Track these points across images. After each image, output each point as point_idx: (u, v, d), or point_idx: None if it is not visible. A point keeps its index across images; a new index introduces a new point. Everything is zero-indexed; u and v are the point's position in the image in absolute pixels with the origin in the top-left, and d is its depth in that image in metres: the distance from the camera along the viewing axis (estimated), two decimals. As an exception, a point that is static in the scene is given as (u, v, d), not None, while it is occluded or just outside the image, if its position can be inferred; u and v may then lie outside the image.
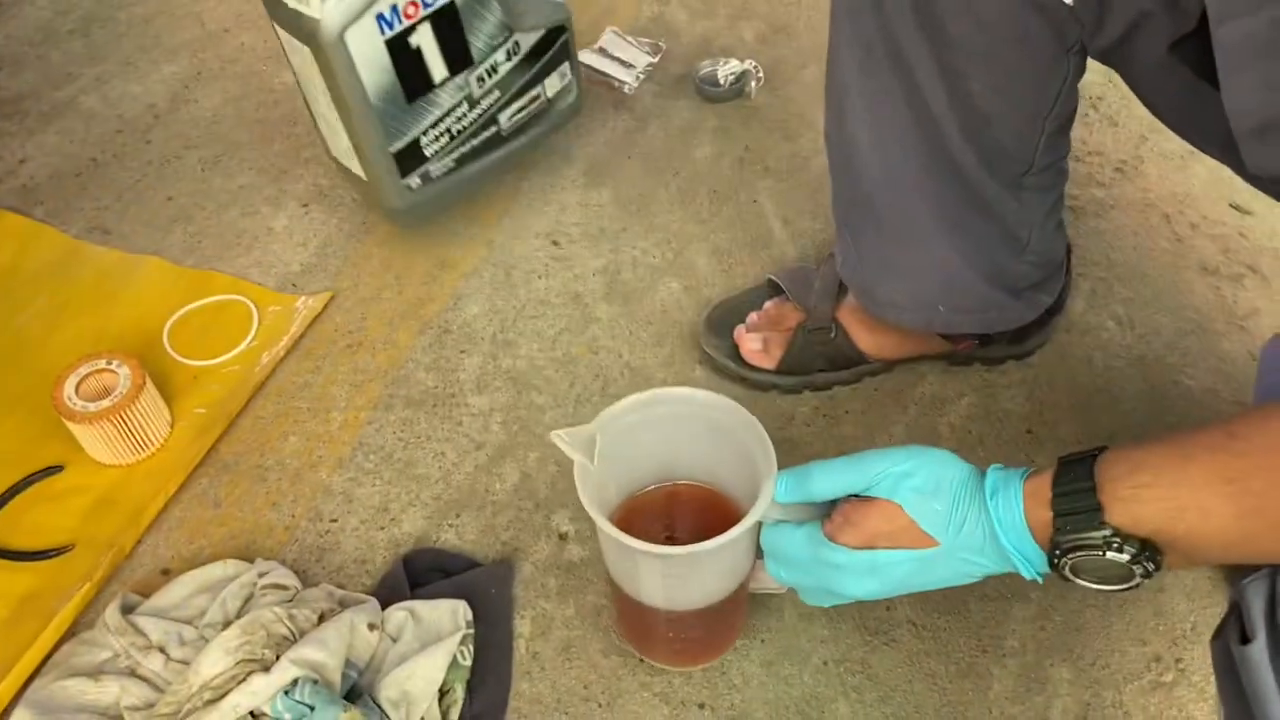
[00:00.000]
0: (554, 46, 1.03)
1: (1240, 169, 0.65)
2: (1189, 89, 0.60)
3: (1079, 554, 0.53)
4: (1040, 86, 0.76)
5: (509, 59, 0.99)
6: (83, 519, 0.87)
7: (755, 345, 0.96)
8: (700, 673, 0.79)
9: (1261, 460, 0.48)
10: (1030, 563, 0.56)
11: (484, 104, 1.01)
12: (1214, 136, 0.57)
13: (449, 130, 0.99)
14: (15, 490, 0.88)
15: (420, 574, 0.84)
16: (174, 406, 0.95)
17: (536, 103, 1.05)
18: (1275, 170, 0.54)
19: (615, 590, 0.76)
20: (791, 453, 0.91)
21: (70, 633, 0.80)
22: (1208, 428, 0.50)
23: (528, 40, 1.00)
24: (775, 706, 0.77)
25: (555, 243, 1.12)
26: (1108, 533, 0.51)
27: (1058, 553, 0.54)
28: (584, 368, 1.00)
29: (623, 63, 1.30)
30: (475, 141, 1.03)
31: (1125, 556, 0.51)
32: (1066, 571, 0.54)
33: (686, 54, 1.33)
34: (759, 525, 0.66)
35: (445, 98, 0.97)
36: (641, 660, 0.80)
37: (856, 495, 0.62)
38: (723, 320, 0.99)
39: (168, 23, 1.38)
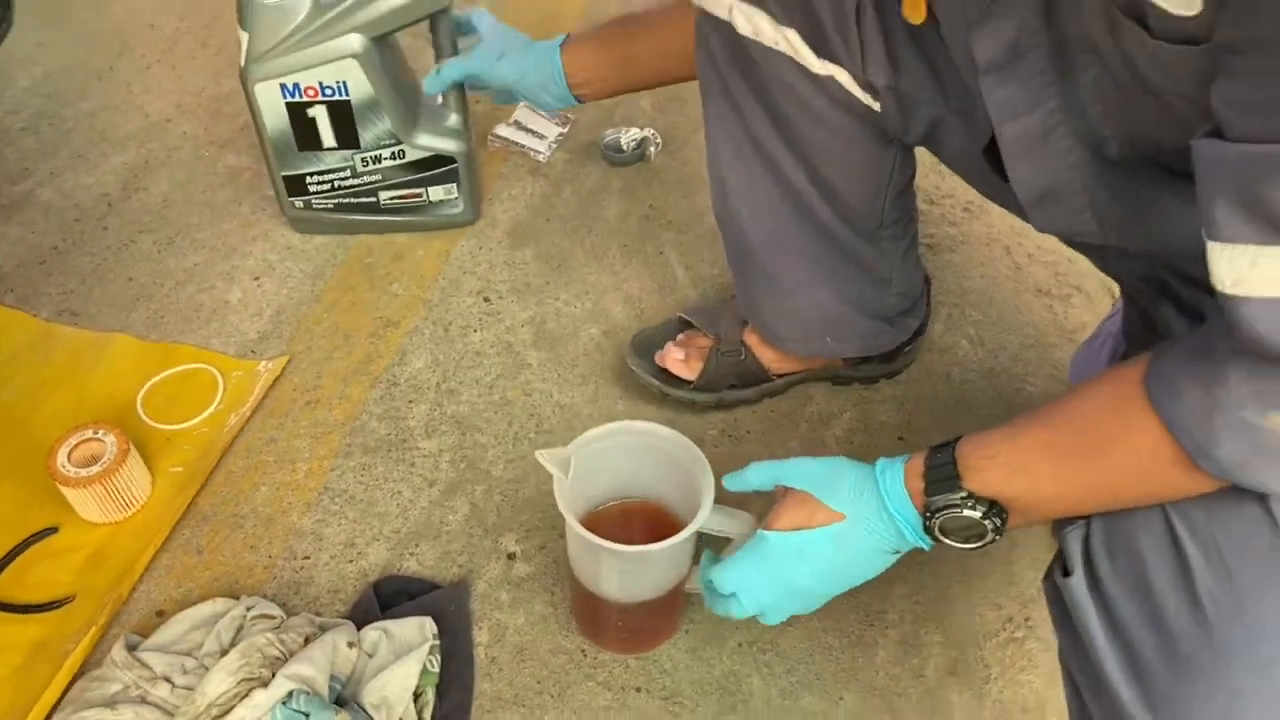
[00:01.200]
0: (441, 167, 1.24)
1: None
2: (988, 174, 0.78)
3: (944, 513, 0.68)
4: (875, 167, 0.93)
5: (394, 159, 1.23)
6: (79, 573, 0.96)
7: (679, 356, 1.10)
8: (636, 662, 0.92)
9: (1066, 428, 0.65)
10: (910, 525, 0.71)
11: (365, 179, 1.25)
12: (1013, 204, 0.75)
13: (331, 183, 1.25)
14: (17, 551, 0.98)
15: (388, 598, 0.95)
16: (153, 467, 1.04)
17: (417, 199, 1.28)
18: (1055, 230, 0.73)
19: (576, 587, 0.89)
20: (703, 470, 1.06)
21: (81, 672, 0.89)
22: (1032, 412, 0.67)
23: (414, 154, 1.22)
24: (700, 685, 0.91)
25: (487, 299, 1.24)
26: (964, 494, 0.67)
27: (928, 512, 0.69)
28: (519, 409, 1.13)
29: (536, 134, 1.44)
30: (354, 200, 1.27)
31: (977, 514, 0.67)
32: (937, 531, 0.69)
33: (592, 123, 1.47)
34: (696, 535, 0.81)
35: (331, 160, 1.22)
36: (585, 655, 0.93)
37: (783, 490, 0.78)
38: (644, 345, 1.13)
39: (112, 116, 1.47)
